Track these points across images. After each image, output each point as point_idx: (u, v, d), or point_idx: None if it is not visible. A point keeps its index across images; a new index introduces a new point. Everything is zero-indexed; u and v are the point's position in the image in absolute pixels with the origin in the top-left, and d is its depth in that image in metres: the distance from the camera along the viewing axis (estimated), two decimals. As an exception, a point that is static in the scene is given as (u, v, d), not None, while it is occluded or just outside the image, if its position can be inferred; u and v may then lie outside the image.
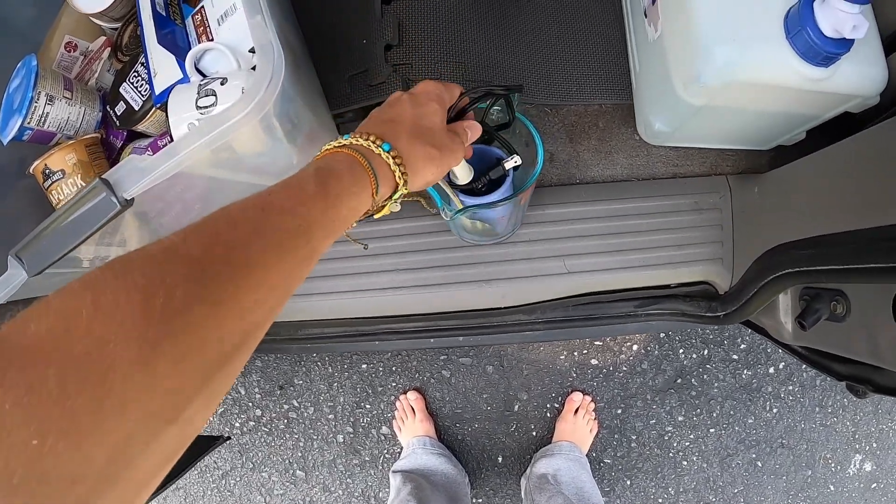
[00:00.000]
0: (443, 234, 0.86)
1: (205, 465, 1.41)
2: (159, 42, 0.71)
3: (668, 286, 0.90)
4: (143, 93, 0.78)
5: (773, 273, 0.75)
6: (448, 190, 0.68)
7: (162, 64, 0.72)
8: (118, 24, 0.83)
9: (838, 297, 0.71)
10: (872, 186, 0.62)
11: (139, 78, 0.78)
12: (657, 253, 0.86)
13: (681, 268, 0.86)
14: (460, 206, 0.69)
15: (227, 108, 0.55)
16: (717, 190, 0.89)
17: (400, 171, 0.42)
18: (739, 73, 0.67)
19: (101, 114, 0.82)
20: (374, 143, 0.42)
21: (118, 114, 0.80)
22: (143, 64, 0.77)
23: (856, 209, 0.63)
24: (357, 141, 0.42)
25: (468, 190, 0.71)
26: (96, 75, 0.89)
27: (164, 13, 0.77)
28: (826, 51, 0.63)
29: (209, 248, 0.28)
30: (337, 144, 0.42)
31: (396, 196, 0.44)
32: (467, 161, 0.69)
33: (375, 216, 0.45)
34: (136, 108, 0.78)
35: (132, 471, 0.21)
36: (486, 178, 0.70)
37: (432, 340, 1.01)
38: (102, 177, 0.54)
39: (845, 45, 0.63)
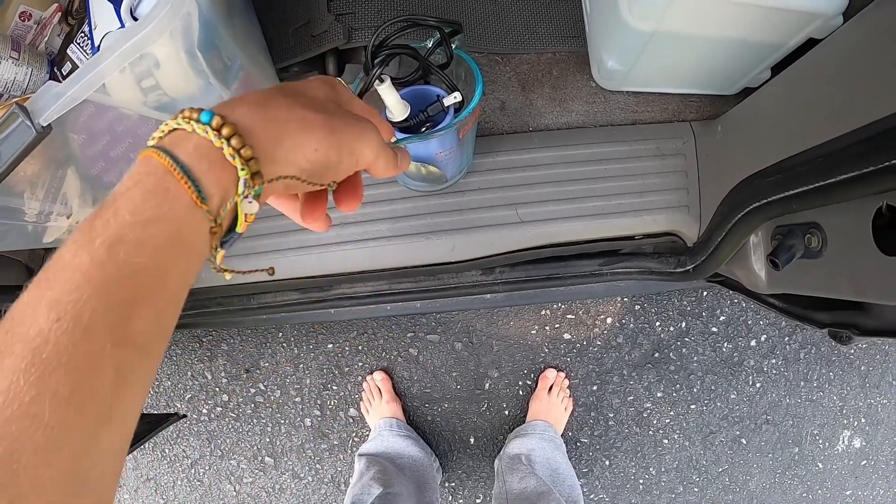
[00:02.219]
0: (388, 185, 0.77)
1: (174, 455, 1.31)
2: None
3: (632, 237, 0.80)
4: (88, 51, 0.74)
5: (740, 211, 0.66)
6: None
7: (102, 15, 0.68)
8: None
9: (812, 229, 0.62)
10: (836, 97, 0.53)
11: (85, 37, 0.75)
12: (617, 201, 0.77)
13: (644, 216, 0.77)
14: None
15: (135, 24, 0.50)
16: (680, 136, 0.80)
17: (234, 147, 0.26)
18: (687, -16, 0.58)
19: (48, 75, 0.79)
20: (186, 118, 0.26)
21: (64, 74, 0.76)
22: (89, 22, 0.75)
23: (822, 125, 0.55)
24: (167, 124, 0.26)
25: (406, 129, 0.62)
26: (45, 40, 0.85)
27: None
28: (781, -48, 0.55)
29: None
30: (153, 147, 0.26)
31: (243, 192, 0.27)
32: (403, 98, 0.61)
33: (237, 230, 0.28)
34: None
35: None
36: (424, 115, 0.62)
37: (389, 307, 0.92)
38: (18, 103, 0.50)
39: (801, -56, 0.55)
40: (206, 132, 0.25)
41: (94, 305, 0.22)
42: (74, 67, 0.75)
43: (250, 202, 0.27)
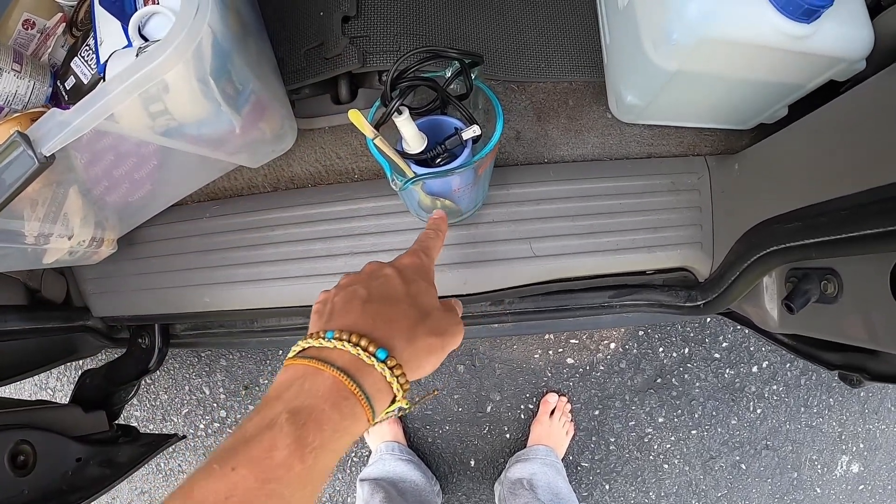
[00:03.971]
0: (401, 216, 0.76)
1: (169, 469, 1.29)
2: (105, 7, 0.67)
3: (643, 273, 0.79)
4: (92, 66, 0.72)
5: (757, 253, 0.65)
6: (397, 159, 0.59)
7: (108, 32, 0.67)
8: (75, 1, 0.79)
9: (829, 275, 0.61)
10: (860, 148, 0.53)
11: (90, 51, 0.73)
12: (631, 236, 0.76)
13: (657, 252, 0.76)
14: (411, 175, 0.59)
15: (147, 54, 0.49)
16: (694, 170, 0.79)
17: (399, 382, 0.32)
18: (713, 29, 0.57)
19: (51, 89, 0.77)
20: (364, 350, 0.31)
21: (67, 88, 0.74)
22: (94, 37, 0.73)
23: (844, 175, 0.54)
24: (342, 346, 0.31)
25: (422, 161, 0.61)
26: (49, 51, 0.84)
27: None
28: (806, 3, 0.55)
29: None
30: (312, 349, 0.32)
31: (392, 409, 0.33)
32: (419, 128, 0.59)
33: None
34: (85, 82, 0.73)
35: None
36: (441, 148, 0.61)
37: (395, 334, 0.90)
38: (20, 131, 0.48)
39: (827, -4, 0.54)
40: (385, 371, 0.31)
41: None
42: (78, 82, 0.73)
43: (390, 414, 0.35)
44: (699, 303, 0.80)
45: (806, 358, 0.75)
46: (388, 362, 0.32)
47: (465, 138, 0.59)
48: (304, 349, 0.32)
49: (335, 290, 0.39)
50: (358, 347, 0.31)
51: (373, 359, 0.31)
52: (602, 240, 0.75)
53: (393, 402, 0.33)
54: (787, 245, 0.60)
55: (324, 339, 0.32)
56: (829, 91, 0.66)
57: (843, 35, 0.59)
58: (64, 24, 0.81)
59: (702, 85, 0.67)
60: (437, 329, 0.36)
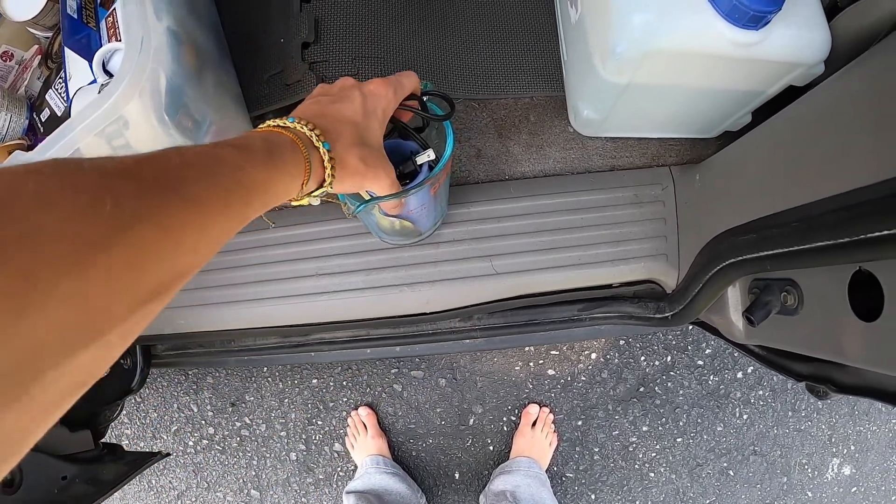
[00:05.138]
0: (362, 237, 0.74)
1: (160, 486, 1.28)
2: (69, 46, 0.68)
3: (609, 286, 0.77)
4: (65, 99, 0.73)
5: (717, 265, 0.63)
6: None
7: (76, 68, 0.69)
8: (51, 33, 0.80)
9: (789, 286, 0.58)
10: (815, 155, 0.50)
11: (63, 84, 0.74)
12: (593, 250, 0.73)
13: (620, 265, 0.74)
14: (366, 197, 0.58)
15: (105, 91, 0.52)
16: (659, 181, 0.77)
17: (329, 172, 0.39)
18: (659, 40, 0.55)
19: (27, 120, 0.78)
20: (316, 136, 0.38)
21: (43, 120, 0.75)
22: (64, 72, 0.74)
23: (800, 183, 0.51)
24: (300, 128, 0.38)
25: None
26: (26, 83, 0.83)
27: (76, 17, 0.74)
28: (752, 9, 0.52)
29: (162, 174, 0.24)
30: (280, 124, 0.38)
31: (317, 192, 0.40)
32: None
33: (293, 203, 0.41)
34: (59, 114, 0.74)
35: (37, 389, 0.17)
36: (397, 171, 0.59)
37: (368, 351, 0.88)
38: None
39: (773, 2, 0.52)
40: (325, 157, 0.38)
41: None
42: (53, 114, 0.73)
43: (315, 198, 0.41)
44: (667, 314, 0.77)
45: (774, 368, 0.72)
46: (330, 153, 0.39)
47: (419, 163, 0.58)
48: (269, 124, 0.38)
49: (307, 100, 0.45)
50: (312, 132, 0.38)
51: (320, 143, 0.38)
52: (564, 255, 0.73)
53: (319, 188, 0.39)
54: (744, 257, 0.58)
55: (287, 120, 0.38)
56: (792, 96, 0.63)
57: (797, 39, 0.57)
58: (39, 56, 0.81)
59: (657, 96, 0.65)
60: (369, 160, 0.42)
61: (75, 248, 0.18)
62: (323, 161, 0.39)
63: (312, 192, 0.40)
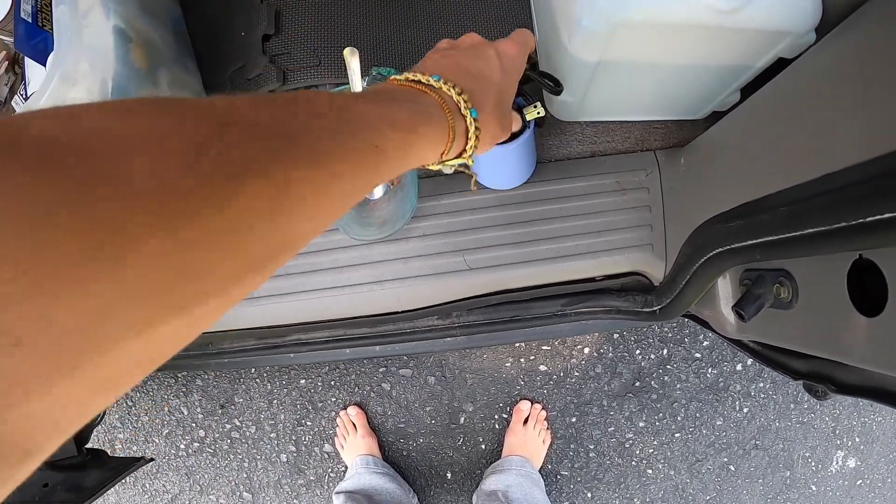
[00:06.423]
0: (329, 233, 0.69)
1: (154, 489, 1.24)
2: (24, 51, 0.66)
3: (592, 279, 0.71)
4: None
5: (703, 255, 0.57)
6: None
7: (34, 73, 0.67)
8: None
9: (782, 277, 0.52)
10: (805, 130, 0.44)
11: (24, 89, 0.72)
12: (573, 242, 0.67)
13: (603, 257, 0.68)
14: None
15: (31, 99, 0.52)
16: (643, 167, 0.71)
17: (473, 144, 0.35)
18: (629, 11, 0.49)
19: None
20: (464, 102, 0.34)
21: None
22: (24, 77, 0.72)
23: (790, 162, 0.45)
24: (447, 90, 0.34)
25: None
26: None
27: (31, 21, 0.72)
28: (733, -31, 0.46)
29: (283, 122, 0.20)
30: (424, 80, 0.33)
31: (454, 162, 0.36)
32: None
33: (426, 168, 0.37)
34: None
35: (101, 359, 0.13)
36: None
37: (348, 351, 0.83)
38: None
39: (756, -41, 0.45)
40: (471, 127, 0.34)
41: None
42: (17, 120, 0.71)
43: (448, 167, 0.37)
44: (655, 308, 0.71)
45: (770, 365, 0.66)
46: (476, 122, 0.34)
47: (527, 119, 0.57)
48: (409, 79, 0.34)
49: (436, 53, 0.40)
50: (460, 97, 0.33)
51: (468, 112, 0.34)
52: (541, 247, 0.67)
53: (460, 155, 0.35)
54: (731, 247, 0.51)
55: (432, 79, 0.33)
56: (782, 69, 0.56)
57: (783, 5, 0.50)
58: (7, 61, 0.78)
59: (633, 75, 0.59)
60: (506, 125, 0.39)
61: (168, 201, 0.15)
62: (468, 131, 0.34)
63: (449, 160, 0.36)
